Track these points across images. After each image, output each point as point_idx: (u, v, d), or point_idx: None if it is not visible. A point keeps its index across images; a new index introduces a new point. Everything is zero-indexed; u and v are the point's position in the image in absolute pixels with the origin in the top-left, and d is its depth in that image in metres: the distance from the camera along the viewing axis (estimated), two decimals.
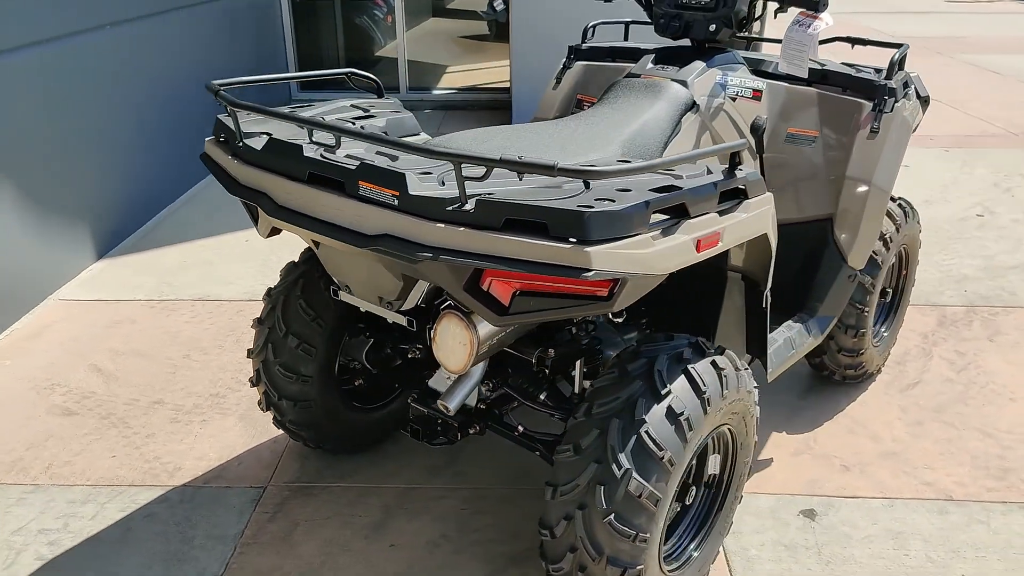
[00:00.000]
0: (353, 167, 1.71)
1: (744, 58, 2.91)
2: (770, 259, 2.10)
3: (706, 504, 2.23)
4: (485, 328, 1.87)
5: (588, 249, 1.50)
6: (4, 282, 3.61)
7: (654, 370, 1.90)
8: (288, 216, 1.82)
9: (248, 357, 2.52)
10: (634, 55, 3.02)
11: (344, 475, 2.68)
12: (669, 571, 2.04)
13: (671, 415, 1.84)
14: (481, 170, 1.64)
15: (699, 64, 2.65)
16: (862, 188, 2.67)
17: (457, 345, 1.86)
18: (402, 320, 1.98)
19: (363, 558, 2.35)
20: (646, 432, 1.81)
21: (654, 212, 1.67)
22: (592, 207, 1.54)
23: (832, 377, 3.10)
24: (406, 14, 7.34)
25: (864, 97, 2.73)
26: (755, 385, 2.16)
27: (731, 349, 2.37)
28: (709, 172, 1.88)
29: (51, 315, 3.74)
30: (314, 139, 1.95)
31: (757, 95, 2.79)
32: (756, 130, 2.58)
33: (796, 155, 2.85)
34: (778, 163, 2.86)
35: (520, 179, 1.77)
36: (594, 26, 3.16)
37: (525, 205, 1.54)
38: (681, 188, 1.71)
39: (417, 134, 2.34)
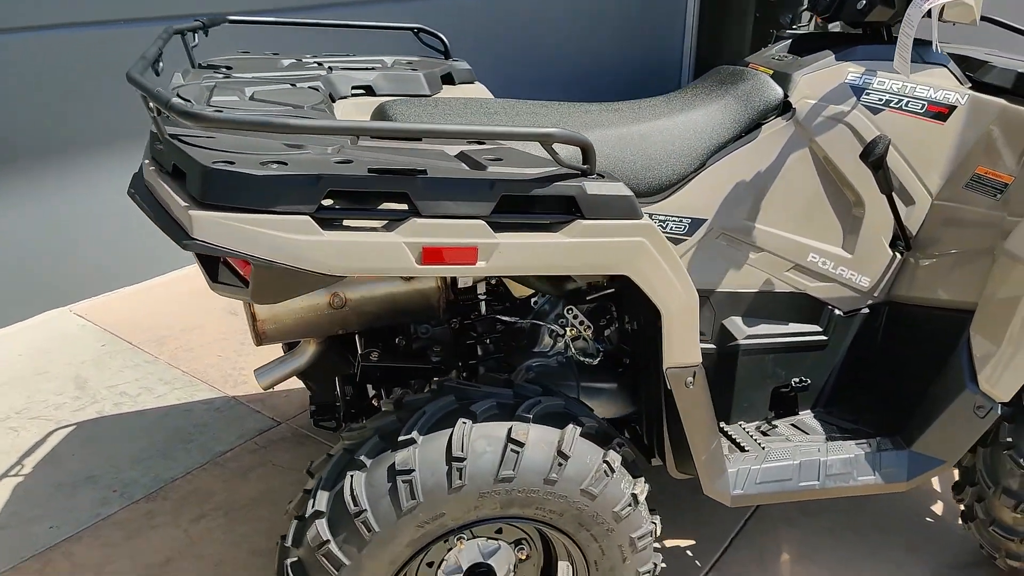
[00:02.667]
0: None
1: (953, 56, 2.00)
2: (659, 320, 1.43)
3: None
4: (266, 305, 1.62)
5: (193, 211, 1.21)
6: None
7: (421, 411, 1.46)
8: None
9: None
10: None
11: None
12: None
13: (392, 471, 1.40)
14: None
15: (826, 55, 1.90)
16: (1016, 274, 1.64)
17: (249, 317, 1.66)
18: None
19: (272, 520, 2.28)
20: (351, 478, 1.41)
21: (383, 199, 1.27)
22: (231, 164, 1.23)
23: (992, 560, 2.00)
24: None
25: None
26: (630, 494, 1.52)
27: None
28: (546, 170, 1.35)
29: None
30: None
31: (939, 112, 1.89)
32: (868, 154, 1.78)
33: (972, 208, 1.88)
34: (946, 216, 1.92)
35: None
36: None
37: (181, 151, 1.29)
38: (408, 173, 1.26)
39: (421, 95, 2.10)
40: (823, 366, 2.01)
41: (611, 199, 1.34)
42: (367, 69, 2.08)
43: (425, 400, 1.49)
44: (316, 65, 2.05)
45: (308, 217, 1.23)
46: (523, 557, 1.62)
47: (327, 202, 1.25)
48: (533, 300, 2.02)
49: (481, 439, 1.42)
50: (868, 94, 1.86)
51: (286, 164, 1.25)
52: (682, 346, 1.48)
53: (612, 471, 1.50)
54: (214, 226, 1.20)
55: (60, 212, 3.39)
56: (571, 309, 1.86)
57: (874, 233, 1.93)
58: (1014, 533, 1.86)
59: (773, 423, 1.98)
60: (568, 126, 1.75)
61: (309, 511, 1.43)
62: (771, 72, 1.94)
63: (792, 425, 1.98)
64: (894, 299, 1.99)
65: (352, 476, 1.41)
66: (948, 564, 2.11)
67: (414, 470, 1.39)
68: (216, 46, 2.58)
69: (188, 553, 2.16)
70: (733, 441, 1.90)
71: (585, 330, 1.88)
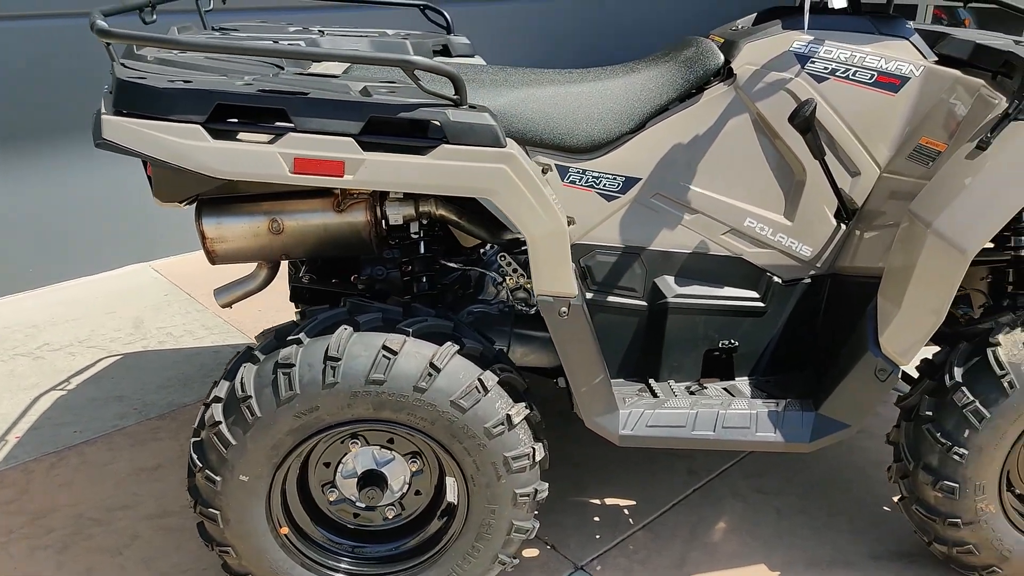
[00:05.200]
0: None
1: (921, 31, 1.99)
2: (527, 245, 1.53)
3: (437, 535, 1.78)
4: (213, 222, 1.82)
5: (105, 115, 1.43)
6: None
7: (313, 317, 1.63)
8: None
9: None
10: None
11: None
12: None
13: (276, 365, 1.57)
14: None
15: (775, 24, 1.93)
16: (918, 233, 1.61)
17: (200, 236, 1.87)
18: None
19: None
20: (243, 369, 1.59)
21: (273, 116, 1.46)
22: (143, 79, 1.45)
23: (928, 546, 1.93)
24: None
25: (1000, 90, 1.63)
26: (505, 414, 1.61)
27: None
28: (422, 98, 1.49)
29: None
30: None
31: (889, 82, 1.89)
32: (794, 117, 1.82)
33: (911, 178, 1.86)
34: (892, 188, 1.90)
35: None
36: None
37: (123, 67, 1.53)
38: (285, 93, 1.43)
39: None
40: (761, 333, 2.01)
41: (475, 127, 1.46)
42: (360, 37, 2.28)
43: (323, 310, 1.66)
44: (318, 32, 2.28)
45: (199, 126, 1.43)
46: (414, 469, 1.75)
47: (232, 119, 1.45)
48: (482, 251, 2.16)
49: (358, 344, 1.56)
50: (813, 62, 1.88)
51: (191, 82, 1.46)
52: (551, 274, 1.57)
53: (486, 390, 1.60)
54: (120, 129, 1.42)
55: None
56: (504, 256, 1.97)
57: (816, 202, 1.93)
58: (936, 513, 1.80)
59: (704, 384, 2.01)
60: (509, 84, 1.87)
61: (210, 398, 1.63)
62: (722, 41, 1.99)
63: (724, 389, 2.00)
64: (837, 271, 1.98)
65: (245, 367, 1.60)
66: (889, 550, 2.05)
67: (294, 365, 1.55)
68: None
69: (177, 462, 2.41)
70: (653, 393, 1.94)
71: (520, 278, 1.98)
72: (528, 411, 1.67)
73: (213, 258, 1.88)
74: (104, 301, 3.50)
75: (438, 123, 1.46)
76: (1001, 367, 1.66)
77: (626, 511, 2.20)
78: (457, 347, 1.61)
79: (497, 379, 1.63)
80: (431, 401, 1.57)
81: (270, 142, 1.45)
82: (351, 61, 1.40)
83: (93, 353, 3.07)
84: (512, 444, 1.64)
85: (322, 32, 2.25)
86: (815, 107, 1.79)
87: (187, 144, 1.42)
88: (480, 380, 1.60)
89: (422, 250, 1.98)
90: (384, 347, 1.56)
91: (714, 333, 2.01)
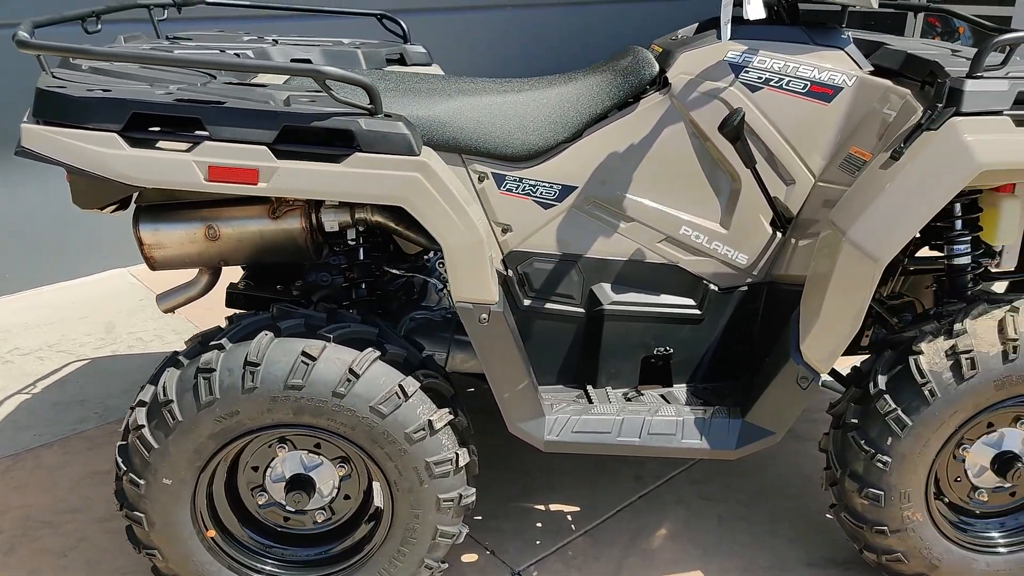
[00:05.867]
0: None
1: (859, 41, 2.01)
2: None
3: (364, 539, 1.79)
4: (150, 229, 1.85)
5: (24, 123, 1.47)
6: None
7: (237, 323, 1.65)
8: None
9: None
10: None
11: None
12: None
13: (198, 370, 1.59)
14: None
15: (710, 35, 1.95)
16: (835, 241, 1.62)
17: (137, 242, 1.89)
18: None
19: None
20: (166, 373, 1.62)
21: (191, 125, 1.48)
22: (62, 88, 1.48)
23: (861, 554, 1.94)
24: None
25: (923, 100, 1.65)
26: (426, 420, 1.63)
27: None
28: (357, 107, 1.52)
29: None
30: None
31: (822, 92, 1.90)
32: (724, 126, 1.84)
33: (840, 186, 1.87)
34: (826, 197, 1.91)
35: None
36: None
37: (52, 76, 1.56)
38: (201, 102, 1.46)
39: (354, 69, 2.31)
40: (699, 340, 2.02)
41: (388, 135, 1.48)
42: (312, 46, 2.31)
43: (247, 316, 1.68)
44: (271, 42, 2.31)
45: (115, 134, 1.45)
46: (342, 474, 1.76)
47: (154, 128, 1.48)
48: (426, 257, 2.18)
49: (278, 350, 1.58)
50: (747, 72, 1.89)
51: (109, 91, 1.49)
52: (470, 282, 1.58)
53: (406, 395, 1.62)
54: (38, 137, 1.45)
55: None
56: (443, 263, 1.99)
57: (751, 210, 1.94)
58: (863, 521, 1.80)
59: (641, 391, 2.02)
60: (445, 93, 1.89)
61: (136, 402, 1.65)
62: (660, 50, 2.01)
63: (660, 396, 2.01)
64: (774, 279, 1.99)
65: (168, 372, 1.62)
66: (824, 557, 2.05)
67: (214, 369, 1.58)
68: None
69: None
70: (589, 399, 1.96)
71: None
72: (452, 416, 1.68)
73: (152, 264, 1.90)
74: (78, 306, 3.54)
75: (351, 131, 1.48)
76: (923, 376, 1.67)
77: (569, 517, 2.20)
78: (378, 353, 1.62)
79: (419, 385, 1.64)
80: (350, 406, 1.59)
81: (187, 150, 1.48)
82: (259, 71, 1.42)
83: (62, 357, 3.10)
84: (434, 449, 1.66)
85: (275, 42, 2.28)
86: (743, 116, 1.81)
87: (104, 152, 1.45)
88: (401, 386, 1.62)
89: (361, 257, 2.00)
90: (303, 353, 1.58)
91: (651, 340, 2.02)
